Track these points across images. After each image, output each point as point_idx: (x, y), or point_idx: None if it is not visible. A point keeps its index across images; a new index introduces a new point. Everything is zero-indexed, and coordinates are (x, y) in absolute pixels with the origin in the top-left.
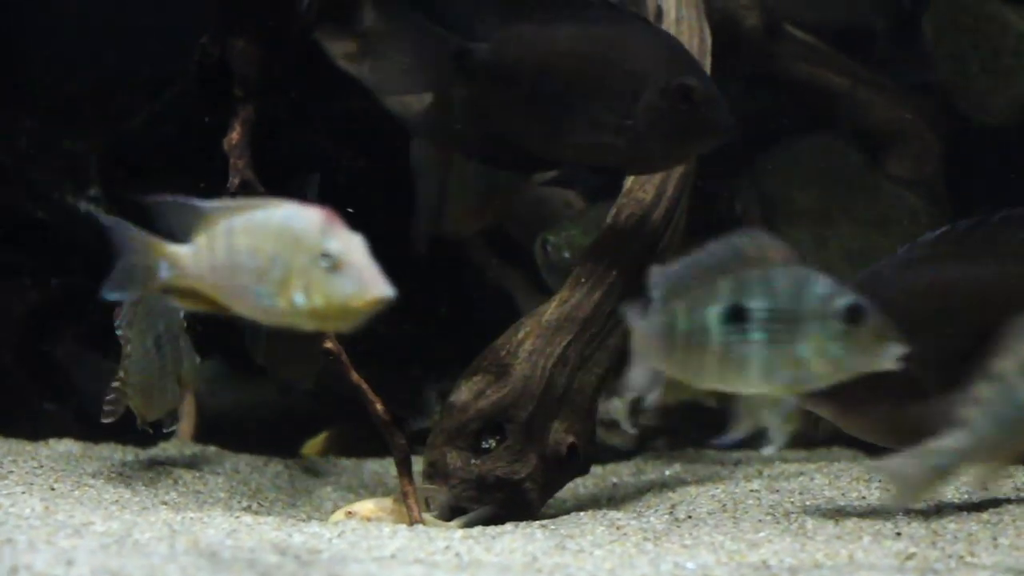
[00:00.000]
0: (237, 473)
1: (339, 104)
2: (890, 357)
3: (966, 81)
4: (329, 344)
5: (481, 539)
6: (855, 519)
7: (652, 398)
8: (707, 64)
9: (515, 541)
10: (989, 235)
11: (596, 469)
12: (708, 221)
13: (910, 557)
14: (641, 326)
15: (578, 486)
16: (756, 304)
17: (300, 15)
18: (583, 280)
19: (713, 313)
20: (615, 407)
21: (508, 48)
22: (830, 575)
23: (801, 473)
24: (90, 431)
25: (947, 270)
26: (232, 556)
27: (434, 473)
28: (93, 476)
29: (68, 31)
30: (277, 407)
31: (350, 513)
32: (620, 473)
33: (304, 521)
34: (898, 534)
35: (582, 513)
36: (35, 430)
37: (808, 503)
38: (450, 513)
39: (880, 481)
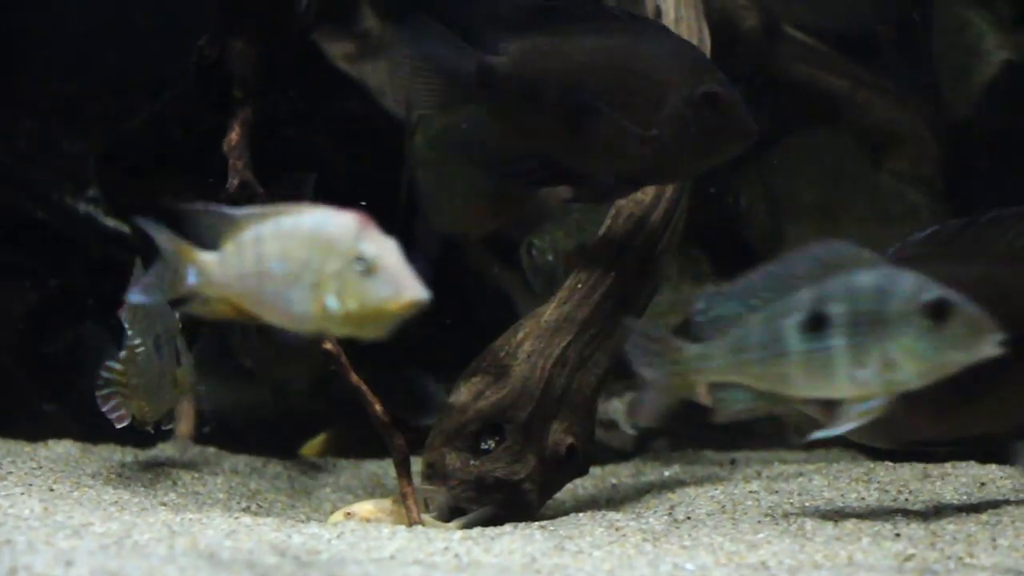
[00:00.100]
0: (236, 474)
1: (338, 105)
2: (987, 347)
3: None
4: (328, 345)
5: (480, 540)
6: (854, 520)
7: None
8: None
9: (514, 542)
10: (977, 235)
11: (595, 470)
12: (714, 216)
13: (909, 558)
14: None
15: (577, 487)
16: (837, 309)
17: (299, 16)
18: (582, 281)
19: (792, 323)
20: (614, 408)
21: (529, 61)
22: None
23: (800, 474)
24: (89, 432)
25: (934, 270)
26: (231, 557)
27: (433, 474)
28: (92, 477)
29: (67, 32)
30: (279, 408)
31: (349, 514)
32: (619, 474)
33: (303, 522)
34: (897, 535)
35: (581, 514)
36: (34, 431)
37: (807, 504)
38: (449, 514)
39: (879, 483)
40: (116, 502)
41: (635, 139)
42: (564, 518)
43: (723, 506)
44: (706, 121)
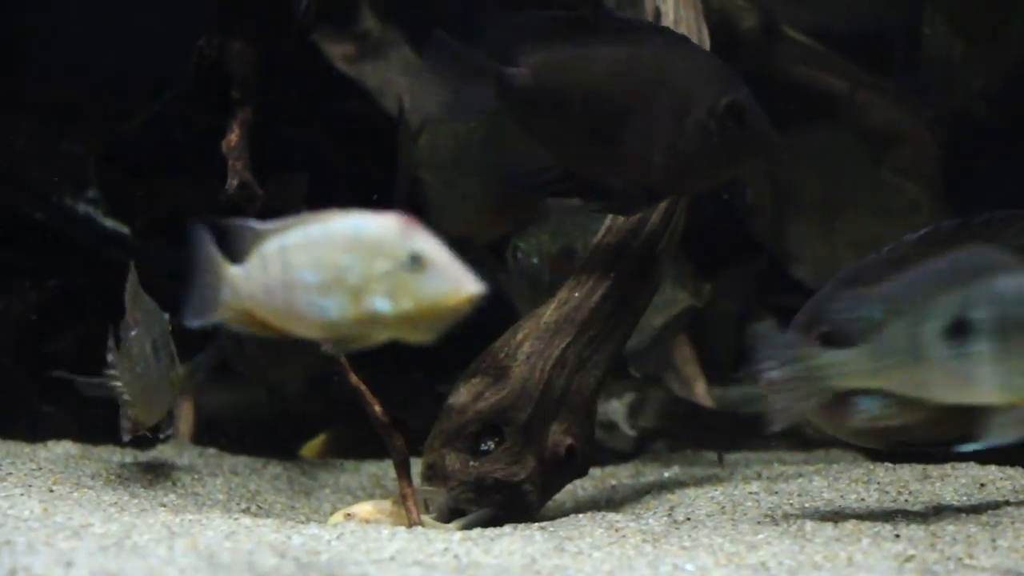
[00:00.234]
0: (236, 475)
1: (338, 105)
2: None
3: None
4: (327, 347)
5: (480, 541)
6: (854, 521)
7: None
8: None
9: (514, 543)
10: (971, 237)
11: (595, 471)
12: (720, 210)
13: (909, 559)
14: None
15: (577, 488)
16: (981, 315)
17: (298, 17)
18: (582, 282)
19: (934, 329)
20: (614, 409)
21: (550, 72)
22: None
23: (800, 475)
24: (89, 433)
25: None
26: (231, 558)
27: (433, 475)
28: (92, 478)
29: (67, 32)
30: (275, 409)
31: (349, 515)
32: (619, 475)
33: (303, 523)
34: (897, 536)
35: (581, 515)
36: (34, 432)
37: (807, 505)
38: (449, 515)
39: (879, 484)
40: (116, 503)
41: (659, 150)
42: (564, 519)
43: (723, 507)
44: (729, 132)
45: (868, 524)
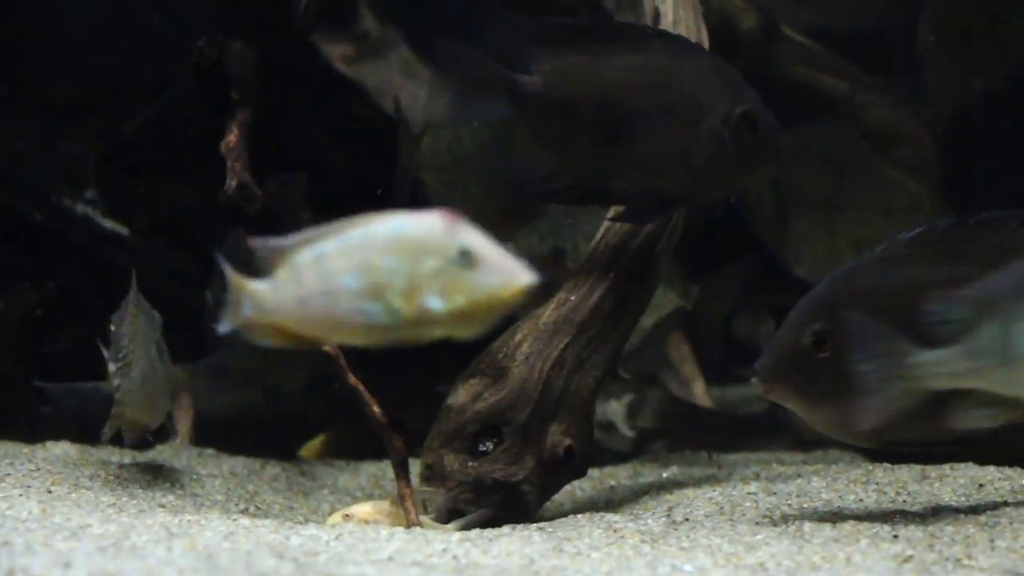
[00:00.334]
0: (234, 476)
1: (337, 105)
2: None
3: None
4: (326, 347)
5: (478, 542)
6: (852, 522)
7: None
8: None
9: (512, 544)
10: (966, 237)
11: (593, 472)
12: (722, 206)
13: (907, 560)
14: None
15: (575, 489)
16: None
17: (297, 17)
18: (580, 283)
19: None
20: (612, 410)
21: (562, 80)
22: None
23: (798, 475)
24: (87, 434)
25: (921, 271)
26: (229, 559)
27: (431, 475)
28: (90, 479)
29: (66, 33)
30: (274, 410)
31: (347, 516)
32: (617, 476)
33: (301, 524)
34: (895, 537)
35: (579, 516)
36: (32, 432)
37: (805, 506)
38: (447, 515)
39: (878, 484)
40: (114, 504)
41: (672, 158)
42: (562, 520)
43: (721, 507)
44: (744, 140)
45: (866, 525)
